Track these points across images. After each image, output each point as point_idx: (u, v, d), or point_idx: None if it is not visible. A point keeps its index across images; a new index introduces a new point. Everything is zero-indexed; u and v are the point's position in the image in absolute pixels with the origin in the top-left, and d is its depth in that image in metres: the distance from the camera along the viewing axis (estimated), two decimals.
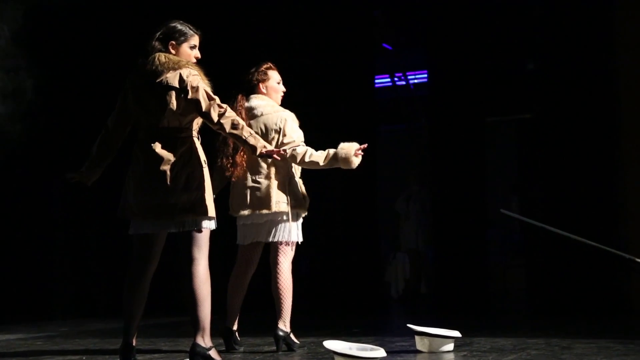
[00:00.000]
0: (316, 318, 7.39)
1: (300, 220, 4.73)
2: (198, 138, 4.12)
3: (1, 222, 8.09)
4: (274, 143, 4.59)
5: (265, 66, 4.79)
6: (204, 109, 3.97)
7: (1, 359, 4.76)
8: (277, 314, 4.60)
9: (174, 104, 3.98)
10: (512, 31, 9.35)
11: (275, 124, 4.64)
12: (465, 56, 9.07)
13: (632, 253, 6.42)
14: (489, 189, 9.41)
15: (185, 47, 4.12)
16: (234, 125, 3.99)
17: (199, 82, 3.99)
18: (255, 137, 4.04)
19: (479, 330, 5.48)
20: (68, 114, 8.52)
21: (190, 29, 4.16)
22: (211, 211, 4.06)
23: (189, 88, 3.97)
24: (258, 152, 4.01)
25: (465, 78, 9.10)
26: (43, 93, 8.28)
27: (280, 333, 4.55)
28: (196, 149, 4.06)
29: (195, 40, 4.16)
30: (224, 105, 4.03)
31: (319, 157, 4.66)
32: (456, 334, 4.51)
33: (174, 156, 3.99)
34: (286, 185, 4.64)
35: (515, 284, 9.78)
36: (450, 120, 9.15)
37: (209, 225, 4.07)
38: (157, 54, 4.04)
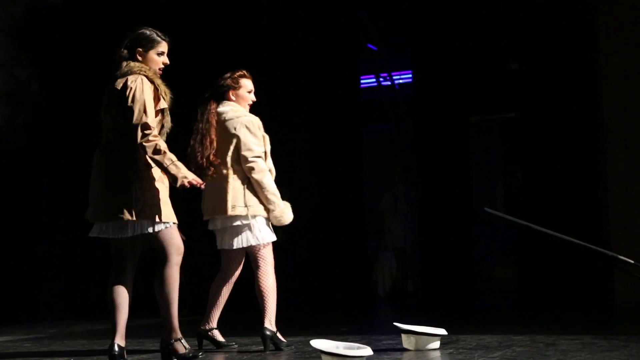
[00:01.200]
0: (303, 317, 7.41)
1: (265, 220, 4.69)
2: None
3: None
4: (232, 147, 4.60)
5: (238, 74, 4.82)
6: (134, 121, 3.97)
7: None
8: (262, 314, 4.64)
9: (120, 109, 4.02)
10: (496, 31, 9.43)
11: (234, 129, 4.65)
12: (449, 56, 9.12)
13: (616, 250, 6.50)
14: (474, 187, 9.47)
15: (152, 54, 4.16)
16: (156, 151, 3.95)
17: (141, 93, 3.98)
18: (176, 166, 3.98)
19: (464, 327, 5.52)
20: (59, 113, 8.50)
21: (158, 35, 4.19)
22: (152, 214, 4.06)
23: (129, 95, 3.99)
24: (178, 184, 3.99)
25: (450, 78, 9.15)
26: (35, 93, 8.26)
27: (267, 332, 4.58)
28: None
29: (163, 47, 4.19)
30: (152, 128, 3.98)
31: (268, 191, 4.62)
32: (442, 331, 4.55)
33: (124, 161, 4.04)
34: (244, 189, 4.63)
35: (500, 281, 9.84)
36: (435, 119, 9.20)
37: (161, 228, 4.09)
38: (123, 62, 4.08)
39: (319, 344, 3.92)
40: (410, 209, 10.20)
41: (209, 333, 4.85)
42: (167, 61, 4.21)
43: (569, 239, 4.59)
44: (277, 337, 4.64)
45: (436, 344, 4.49)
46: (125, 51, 4.15)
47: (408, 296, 9.93)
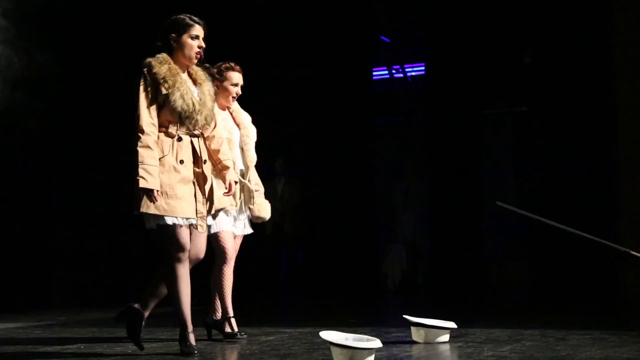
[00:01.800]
0: (313, 309, 7.42)
1: (222, 212, 4.63)
2: (169, 135, 4.04)
3: (0, 213, 8.12)
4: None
5: (225, 65, 4.77)
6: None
7: (0, 347, 4.79)
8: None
9: None
10: (509, 25, 9.37)
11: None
12: (462, 49, 9.10)
13: (627, 245, 6.45)
14: (486, 180, 9.45)
15: (185, 38, 4.10)
16: (139, 159, 3.91)
17: (137, 94, 3.99)
18: (146, 180, 3.89)
19: (474, 321, 5.51)
20: (69, 109, 8.52)
21: (191, 19, 4.15)
22: (139, 208, 4.00)
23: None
24: (136, 186, 3.94)
25: (463, 71, 9.13)
26: (45, 89, 8.27)
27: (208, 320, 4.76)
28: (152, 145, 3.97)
29: (196, 30, 4.12)
30: (143, 132, 3.95)
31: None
32: (452, 325, 4.54)
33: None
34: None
35: (511, 275, 9.82)
36: (447, 112, 9.19)
37: (148, 223, 4.08)
38: (157, 55, 4.08)
39: (328, 335, 3.92)
40: (421, 202, 10.19)
41: (219, 323, 4.83)
42: (203, 44, 4.12)
43: (580, 234, 4.57)
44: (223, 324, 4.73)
45: (446, 337, 4.49)
46: (159, 42, 4.12)
47: (418, 289, 9.93)
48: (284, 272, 9.61)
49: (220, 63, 4.76)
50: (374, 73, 11.07)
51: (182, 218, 4.04)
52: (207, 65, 4.34)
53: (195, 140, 4.10)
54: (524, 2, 8.80)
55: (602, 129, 7.82)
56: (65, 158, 8.78)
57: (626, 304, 7.08)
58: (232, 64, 4.79)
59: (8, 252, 8.12)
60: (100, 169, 9.03)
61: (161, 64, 4.05)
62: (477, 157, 9.20)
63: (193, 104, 4.04)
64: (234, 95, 4.79)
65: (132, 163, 3.98)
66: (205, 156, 4.15)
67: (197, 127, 4.08)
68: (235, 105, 4.86)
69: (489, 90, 9.68)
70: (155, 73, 4.02)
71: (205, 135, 4.20)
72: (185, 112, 4.01)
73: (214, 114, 4.21)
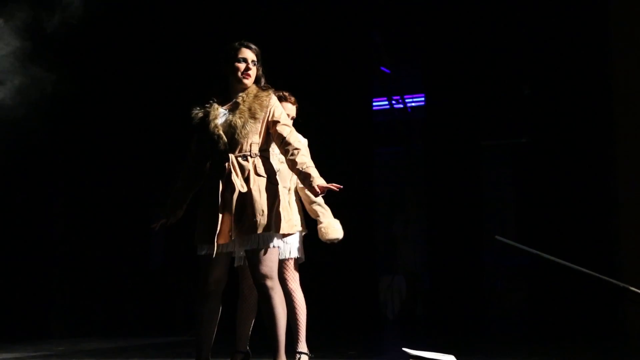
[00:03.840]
0: (311, 339, 7.38)
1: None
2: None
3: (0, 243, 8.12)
4: None
5: (278, 94, 4.71)
6: None
7: None
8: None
9: None
10: (509, 56, 9.44)
11: None
12: (461, 80, 9.15)
13: (627, 280, 6.46)
14: (485, 212, 9.45)
15: (232, 62, 4.15)
16: None
17: None
18: None
19: (473, 353, 5.49)
20: (70, 119, 8.55)
21: (235, 45, 4.19)
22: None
23: None
24: None
25: (462, 102, 9.17)
26: (46, 98, 8.29)
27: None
28: None
29: (240, 53, 4.16)
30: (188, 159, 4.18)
31: None
32: (451, 357, 4.53)
33: None
34: None
35: (511, 308, 9.79)
36: (447, 143, 9.22)
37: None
38: None
39: None
40: (419, 232, 10.19)
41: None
42: (242, 67, 4.14)
43: (579, 269, 4.57)
44: None
45: None
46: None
47: (417, 320, 9.90)
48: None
49: (275, 91, 4.74)
50: (374, 104, 11.13)
51: (200, 247, 4.05)
52: (267, 86, 4.27)
53: (228, 163, 4.03)
54: (523, 34, 8.87)
55: (602, 162, 7.84)
56: (68, 186, 8.80)
57: (626, 339, 7.05)
58: (287, 94, 4.77)
59: (6, 281, 8.11)
60: (100, 203, 9.06)
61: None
62: (477, 188, 9.21)
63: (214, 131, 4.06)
64: None
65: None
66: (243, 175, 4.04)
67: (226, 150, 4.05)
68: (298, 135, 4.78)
69: (488, 122, 9.72)
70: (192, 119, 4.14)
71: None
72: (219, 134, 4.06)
73: (246, 130, 4.06)
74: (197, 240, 4.04)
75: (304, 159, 4.09)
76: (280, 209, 4.07)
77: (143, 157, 9.29)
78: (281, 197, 4.13)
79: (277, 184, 4.14)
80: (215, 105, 4.13)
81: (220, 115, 4.10)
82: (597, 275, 4.56)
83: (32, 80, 6.71)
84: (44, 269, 8.58)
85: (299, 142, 4.20)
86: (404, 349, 4.56)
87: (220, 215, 3.95)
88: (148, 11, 8.95)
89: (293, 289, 4.60)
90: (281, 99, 4.69)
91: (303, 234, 4.71)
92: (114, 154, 9.15)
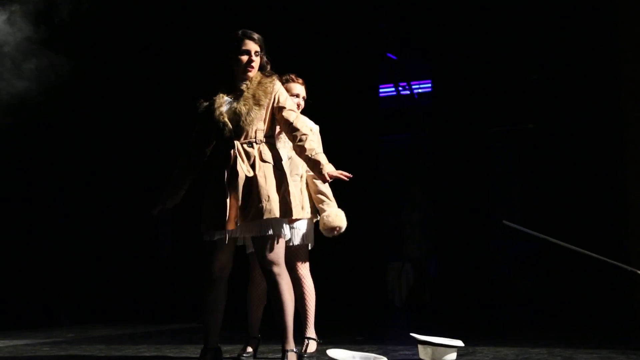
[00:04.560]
0: (319, 326, 7.41)
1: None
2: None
3: (7, 228, 8.15)
4: None
5: (285, 77, 4.66)
6: None
7: None
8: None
9: None
10: (516, 42, 9.42)
11: None
12: (469, 66, 9.13)
13: (635, 264, 6.46)
14: (492, 198, 9.45)
15: (236, 54, 4.16)
16: None
17: None
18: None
19: (481, 339, 5.51)
20: (75, 120, 8.57)
21: (238, 35, 4.19)
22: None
23: None
24: None
25: (469, 88, 9.16)
26: (51, 98, 8.31)
27: None
28: None
29: (244, 45, 4.16)
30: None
31: None
32: (459, 343, 4.54)
33: None
34: None
35: (518, 293, 9.81)
36: (454, 130, 9.21)
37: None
38: None
39: (335, 353, 3.92)
40: (426, 219, 10.20)
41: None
42: (254, 58, 4.15)
43: (588, 253, 4.57)
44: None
45: (453, 356, 4.48)
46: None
47: (424, 306, 9.92)
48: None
49: (282, 75, 4.74)
50: (381, 90, 11.11)
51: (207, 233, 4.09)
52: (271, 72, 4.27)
53: (234, 150, 4.05)
54: (530, 20, 8.83)
55: (609, 147, 7.82)
56: (72, 175, 8.82)
57: (634, 323, 7.05)
58: (293, 76, 4.75)
59: (16, 269, 8.14)
60: (108, 189, 9.08)
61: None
62: (484, 174, 9.21)
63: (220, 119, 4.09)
64: (295, 106, 4.75)
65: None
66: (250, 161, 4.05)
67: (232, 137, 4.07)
68: (307, 121, 4.75)
69: (495, 108, 9.71)
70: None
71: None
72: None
73: (251, 117, 4.08)
74: (204, 226, 4.07)
75: (313, 144, 4.10)
76: (287, 195, 4.09)
77: (152, 145, 9.30)
78: (289, 182, 4.15)
79: (283, 169, 4.16)
80: (221, 94, 4.15)
81: (225, 103, 4.13)
82: (605, 259, 4.56)
83: (44, 67, 6.73)
84: (52, 257, 8.61)
85: (307, 127, 4.21)
86: (412, 334, 4.57)
87: (228, 202, 3.97)
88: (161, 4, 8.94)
89: (303, 275, 4.62)
90: (288, 81, 4.69)
91: (314, 221, 4.72)
92: (123, 141, 9.17)
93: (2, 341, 6.30)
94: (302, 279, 4.61)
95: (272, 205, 3.99)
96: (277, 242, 4.02)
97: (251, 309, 4.70)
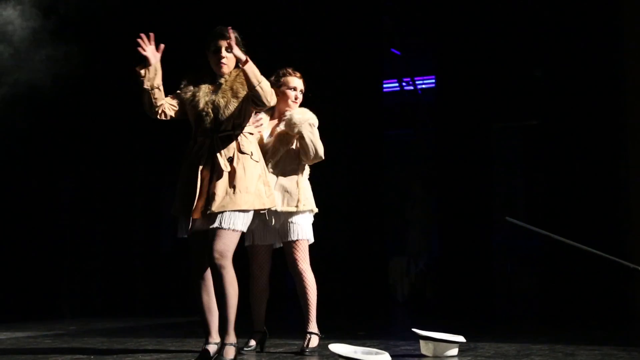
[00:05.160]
0: (321, 321, 7.42)
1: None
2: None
3: (10, 222, 8.17)
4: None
5: (282, 72, 4.69)
6: None
7: (10, 357, 4.81)
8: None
9: None
10: (520, 38, 9.39)
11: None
12: (473, 62, 9.11)
13: (637, 261, 6.44)
14: (495, 194, 9.44)
15: (209, 53, 4.24)
16: None
17: None
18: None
19: (483, 335, 5.51)
20: (78, 115, 8.58)
21: (211, 33, 4.23)
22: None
23: None
24: None
25: (473, 84, 9.14)
26: (53, 93, 8.31)
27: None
28: None
29: (215, 43, 4.20)
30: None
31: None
32: (460, 338, 4.54)
33: None
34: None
35: (520, 289, 9.80)
36: (457, 125, 9.19)
37: None
38: None
39: (337, 348, 3.93)
40: (426, 215, 10.17)
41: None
42: (224, 54, 4.19)
43: (590, 250, 4.57)
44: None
45: (454, 351, 4.49)
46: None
47: (426, 302, 9.92)
48: (292, 284, 9.60)
49: (279, 69, 4.75)
50: (384, 86, 11.11)
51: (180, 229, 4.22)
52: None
53: (212, 142, 4.11)
54: (534, 16, 8.81)
55: (612, 143, 7.81)
56: (76, 170, 8.83)
57: (636, 320, 7.05)
58: (290, 70, 4.75)
59: (18, 261, 8.16)
60: (111, 184, 9.09)
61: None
62: (487, 170, 9.20)
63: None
64: (293, 99, 4.72)
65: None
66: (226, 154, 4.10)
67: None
68: (309, 113, 4.73)
69: (499, 104, 9.68)
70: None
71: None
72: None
73: (229, 109, 4.13)
74: (173, 211, 4.18)
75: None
76: (264, 185, 4.18)
77: (154, 141, 9.31)
78: (266, 173, 4.25)
79: (261, 160, 4.25)
80: (204, 85, 4.22)
81: (209, 93, 4.21)
82: (607, 256, 4.56)
83: (50, 59, 6.74)
84: (55, 250, 8.63)
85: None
86: (414, 329, 4.58)
87: (198, 192, 4.02)
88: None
89: (303, 269, 4.61)
90: (285, 75, 4.71)
91: (313, 213, 4.72)
92: (126, 137, 9.18)
93: (4, 333, 6.31)
94: (303, 274, 4.61)
95: (249, 198, 4.06)
96: (229, 236, 4.02)
97: (253, 304, 4.71)
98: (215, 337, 4.17)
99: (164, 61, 4.21)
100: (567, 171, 7.98)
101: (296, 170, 4.62)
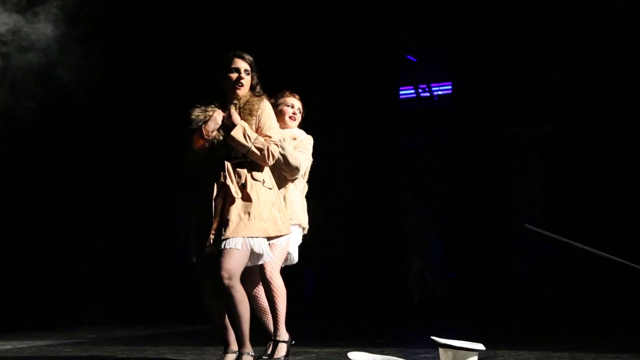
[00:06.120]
0: (339, 327, 7.41)
1: None
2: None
3: (31, 231, 8.22)
4: None
5: (280, 94, 4.83)
6: None
7: None
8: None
9: None
10: (536, 42, 9.36)
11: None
12: (489, 68, 9.10)
13: None
14: (512, 200, 9.40)
15: (226, 72, 4.23)
16: None
17: None
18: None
19: (503, 343, 5.48)
20: (100, 107, 8.60)
21: (229, 55, 4.24)
22: None
23: None
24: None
25: (489, 89, 9.12)
26: (79, 98, 8.35)
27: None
28: None
29: (233, 63, 4.21)
30: None
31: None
32: (480, 346, 4.52)
33: None
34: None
35: (539, 296, 9.74)
36: (474, 131, 9.18)
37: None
38: None
39: (355, 356, 3.92)
40: (419, 223, 10.13)
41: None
42: (243, 75, 4.21)
43: (609, 256, 4.54)
44: None
45: (474, 359, 4.47)
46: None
47: (445, 309, 9.88)
48: (310, 291, 9.61)
49: (278, 93, 4.83)
50: (401, 92, 11.11)
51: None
52: (260, 92, 4.33)
53: (223, 169, 4.10)
54: (551, 21, 8.79)
55: (631, 148, 7.76)
56: (94, 178, 8.87)
57: None
58: (288, 92, 4.85)
59: (38, 270, 8.21)
60: (130, 192, 9.12)
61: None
62: (504, 176, 9.17)
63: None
64: (290, 115, 4.78)
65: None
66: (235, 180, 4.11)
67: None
68: (296, 130, 4.81)
69: (516, 109, 9.66)
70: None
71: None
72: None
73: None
74: (190, 241, 4.18)
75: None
76: (278, 212, 4.17)
77: (173, 148, 9.35)
78: (280, 200, 4.25)
79: (273, 188, 4.24)
80: (218, 110, 4.20)
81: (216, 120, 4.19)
82: (627, 263, 4.53)
83: (76, 66, 6.79)
84: (74, 259, 8.67)
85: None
86: (433, 337, 4.56)
87: (214, 220, 4.03)
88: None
89: (270, 276, 4.54)
90: (284, 96, 4.81)
91: (303, 231, 4.73)
92: (144, 142, 9.22)
93: (25, 342, 6.36)
94: (270, 280, 4.60)
95: (263, 225, 4.06)
96: (239, 255, 4.00)
97: (261, 318, 4.72)
98: (233, 347, 4.19)
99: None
100: (585, 177, 7.94)
101: (285, 183, 4.67)
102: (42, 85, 6.88)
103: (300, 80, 9.06)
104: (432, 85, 12.58)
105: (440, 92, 12.50)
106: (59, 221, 8.48)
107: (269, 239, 4.18)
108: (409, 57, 11.93)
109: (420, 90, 12.72)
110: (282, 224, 4.19)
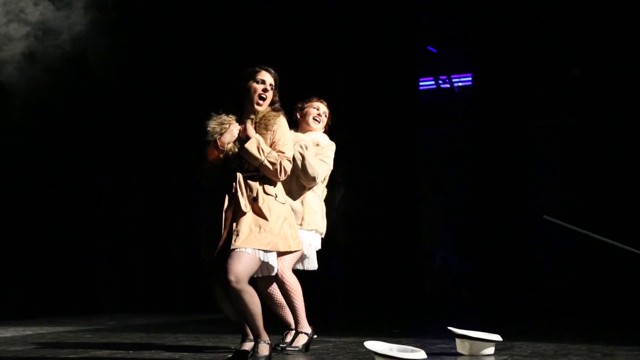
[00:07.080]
0: (357, 318, 7.43)
1: None
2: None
3: (50, 218, 8.30)
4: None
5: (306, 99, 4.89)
6: None
7: (51, 351, 4.91)
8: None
9: None
10: (558, 35, 9.29)
11: None
12: (510, 59, 9.04)
13: None
14: (532, 193, 9.36)
15: (250, 82, 4.21)
16: None
17: None
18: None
19: (520, 334, 5.48)
20: (120, 103, 8.66)
21: (255, 67, 4.24)
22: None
23: None
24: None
25: (510, 81, 9.06)
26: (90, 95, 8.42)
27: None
28: None
29: (260, 75, 4.20)
30: None
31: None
32: (497, 337, 4.52)
33: None
34: None
35: (557, 288, 9.71)
36: (494, 123, 9.13)
37: None
38: None
39: (372, 345, 3.94)
40: (436, 214, 10.11)
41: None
42: (268, 88, 4.21)
43: (629, 249, 4.51)
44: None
45: (491, 350, 4.47)
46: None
47: (463, 301, 9.88)
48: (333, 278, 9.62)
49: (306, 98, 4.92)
50: (421, 83, 11.06)
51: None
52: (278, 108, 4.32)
53: (235, 181, 4.09)
54: (573, 12, 8.72)
55: None
56: (112, 165, 8.93)
57: None
58: (314, 98, 4.92)
59: (58, 257, 8.29)
60: (151, 179, 9.18)
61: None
62: (524, 168, 9.12)
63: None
64: (315, 115, 4.84)
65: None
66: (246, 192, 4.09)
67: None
68: (319, 135, 4.84)
69: (537, 102, 9.59)
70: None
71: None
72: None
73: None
74: (202, 254, 4.16)
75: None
76: (289, 227, 4.15)
77: (192, 142, 9.40)
78: (291, 216, 4.24)
79: (285, 203, 4.22)
80: (235, 123, 4.19)
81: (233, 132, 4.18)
82: None
83: (98, 54, 6.83)
84: (94, 247, 8.75)
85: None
86: (450, 328, 4.57)
87: (223, 231, 4.02)
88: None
89: (283, 274, 4.57)
90: (311, 100, 4.88)
91: (320, 235, 4.76)
92: (164, 136, 9.27)
93: (46, 327, 6.44)
94: (283, 279, 4.61)
95: (274, 239, 4.04)
96: (248, 259, 3.97)
97: (277, 313, 4.73)
98: (251, 336, 4.21)
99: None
100: (606, 169, 7.89)
101: (303, 189, 4.66)
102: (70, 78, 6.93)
103: (321, 71, 9.08)
104: (452, 76, 12.52)
105: (460, 84, 12.44)
106: (81, 209, 8.55)
107: (278, 254, 4.17)
108: (429, 47, 11.88)
109: (440, 82, 12.67)
110: (292, 240, 4.16)
